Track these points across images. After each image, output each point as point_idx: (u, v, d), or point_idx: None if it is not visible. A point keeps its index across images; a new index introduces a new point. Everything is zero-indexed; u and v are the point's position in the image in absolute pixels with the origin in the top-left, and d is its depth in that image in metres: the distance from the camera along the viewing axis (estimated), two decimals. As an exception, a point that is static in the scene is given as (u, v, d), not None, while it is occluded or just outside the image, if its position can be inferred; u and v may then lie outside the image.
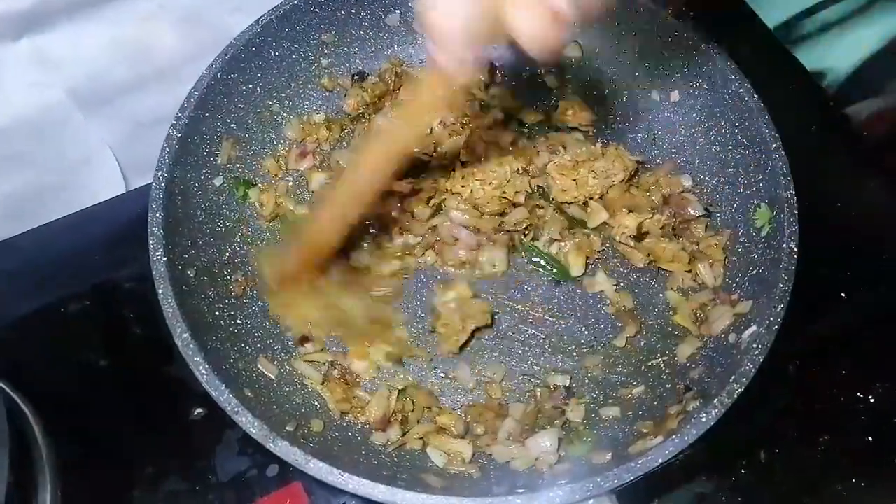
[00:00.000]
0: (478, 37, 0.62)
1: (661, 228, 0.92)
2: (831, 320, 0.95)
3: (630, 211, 0.92)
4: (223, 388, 0.71)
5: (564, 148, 0.96)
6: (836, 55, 1.26)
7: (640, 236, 0.93)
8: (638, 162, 0.97)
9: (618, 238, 0.93)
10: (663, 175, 0.96)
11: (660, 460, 0.67)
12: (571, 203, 0.95)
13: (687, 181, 0.95)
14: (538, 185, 0.96)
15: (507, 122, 1.02)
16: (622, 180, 0.94)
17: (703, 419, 0.69)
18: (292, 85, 1.00)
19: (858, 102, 1.19)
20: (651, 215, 0.92)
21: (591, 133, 1.01)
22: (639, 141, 1.01)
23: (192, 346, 0.73)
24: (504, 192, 0.92)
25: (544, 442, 0.80)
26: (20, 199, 1.05)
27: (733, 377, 0.71)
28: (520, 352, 0.89)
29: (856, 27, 1.26)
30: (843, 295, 0.95)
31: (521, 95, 1.05)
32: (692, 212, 0.93)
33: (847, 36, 1.26)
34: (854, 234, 1.00)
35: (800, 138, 0.84)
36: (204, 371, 0.72)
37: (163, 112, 0.90)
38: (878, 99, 1.19)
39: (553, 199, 0.95)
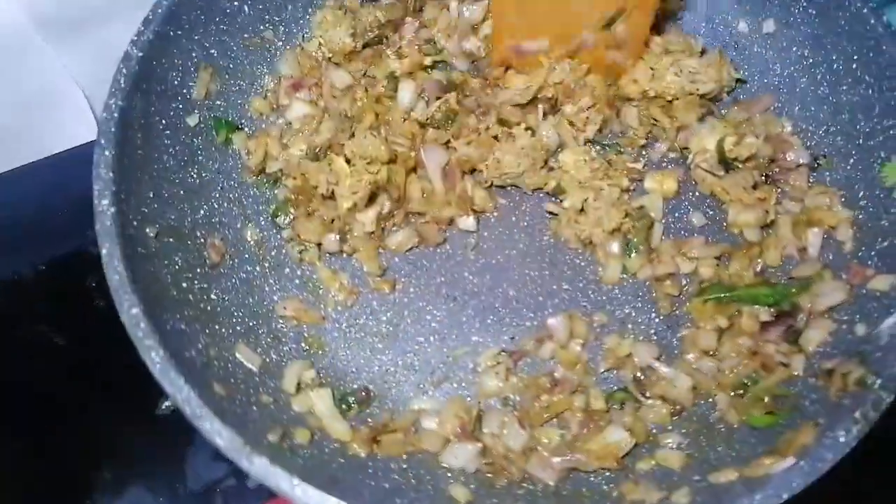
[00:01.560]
0: None
1: (747, 161, 0.74)
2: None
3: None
4: (181, 382, 0.54)
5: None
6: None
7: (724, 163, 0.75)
8: (738, 80, 0.81)
9: (699, 165, 0.75)
10: (758, 112, 0.79)
11: (784, 495, 0.49)
12: (633, 99, 0.80)
13: (788, 125, 0.78)
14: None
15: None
16: (707, 95, 0.78)
17: (842, 439, 0.51)
18: (289, 7, 0.83)
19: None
20: (738, 139, 0.74)
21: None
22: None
23: (143, 324, 0.56)
24: None
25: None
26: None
27: (880, 381, 0.53)
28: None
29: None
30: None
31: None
32: (794, 158, 0.75)
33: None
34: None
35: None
36: (157, 358, 0.55)
37: None
38: None
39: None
